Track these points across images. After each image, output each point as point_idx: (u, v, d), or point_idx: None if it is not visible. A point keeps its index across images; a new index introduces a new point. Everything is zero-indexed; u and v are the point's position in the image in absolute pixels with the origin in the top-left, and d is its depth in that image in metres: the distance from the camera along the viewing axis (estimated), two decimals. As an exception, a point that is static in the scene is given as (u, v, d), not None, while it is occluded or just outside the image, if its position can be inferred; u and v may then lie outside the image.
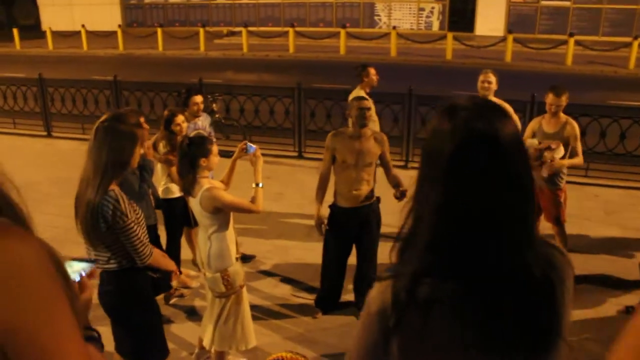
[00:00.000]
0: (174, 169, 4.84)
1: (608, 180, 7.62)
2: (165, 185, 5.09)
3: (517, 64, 17.85)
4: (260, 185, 3.70)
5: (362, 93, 6.11)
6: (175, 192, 5.03)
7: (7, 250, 0.77)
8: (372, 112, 5.63)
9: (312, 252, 5.56)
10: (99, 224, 2.88)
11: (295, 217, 6.69)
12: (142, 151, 3.08)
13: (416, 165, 7.54)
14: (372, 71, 6.28)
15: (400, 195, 4.21)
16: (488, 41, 19.05)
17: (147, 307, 3.23)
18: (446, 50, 19.27)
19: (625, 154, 7.83)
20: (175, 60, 21.09)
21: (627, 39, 18.31)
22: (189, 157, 3.51)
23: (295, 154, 9.29)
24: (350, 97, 6.29)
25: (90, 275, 1.36)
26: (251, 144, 3.77)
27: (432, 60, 19.02)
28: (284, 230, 6.37)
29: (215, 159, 3.59)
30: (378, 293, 1.22)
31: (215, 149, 3.60)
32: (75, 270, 1.32)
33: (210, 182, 3.60)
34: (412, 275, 1.16)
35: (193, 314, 4.79)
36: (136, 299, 3.12)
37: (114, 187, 2.93)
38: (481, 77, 5.53)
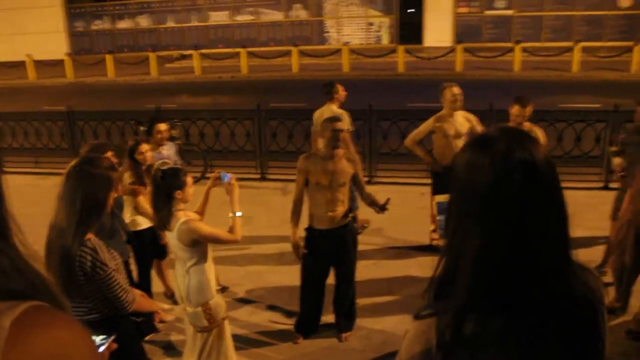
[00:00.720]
0: (140, 200, 4.72)
1: (567, 183, 7.78)
2: (131, 217, 4.94)
3: (468, 72, 18.26)
4: (238, 214, 3.63)
5: (334, 109, 6.13)
6: (142, 223, 4.91)
7: (53, 339, 0.71)
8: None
9: (286, 276, 5.49)
10: (76, 276, 2.69)
11: (265, 240, 6.59)
12: (115, 194, 2.93)
13: (380, 179, 7.51)
14: (341, 87, 6.34)
15: (381, 211, 4.29)
16: (437, 52, 19.44)
17: (135, 354, 3.07)
18: (398, 63, 19.55)
19: (582, 155, 8.08)
20: (127, 86, 20.71)
21: (569, 44, 18.99)
22: (164, 190, 3.40)
23: (258, 176, 9.19)
24: (319, 113, 6.30)
25: (108, 348, 1.32)
26: (226, 173, 3.70)
27: (385, 74, 19.27)
28: (256, 255, 6.25)
29: (190, 190, 3.50)
30: (420, 332, 1.19)
31: (190, 180, 3.50)
32: (97, 344, 1.28)
33: (186, 214, 3.51)
34: (456, 312, 1.13)
35: (170, 349, 4.64)
36: (124, 347, 2.95)
37: (91, 236, 2.74)
38: (449, 92, 5.55)
